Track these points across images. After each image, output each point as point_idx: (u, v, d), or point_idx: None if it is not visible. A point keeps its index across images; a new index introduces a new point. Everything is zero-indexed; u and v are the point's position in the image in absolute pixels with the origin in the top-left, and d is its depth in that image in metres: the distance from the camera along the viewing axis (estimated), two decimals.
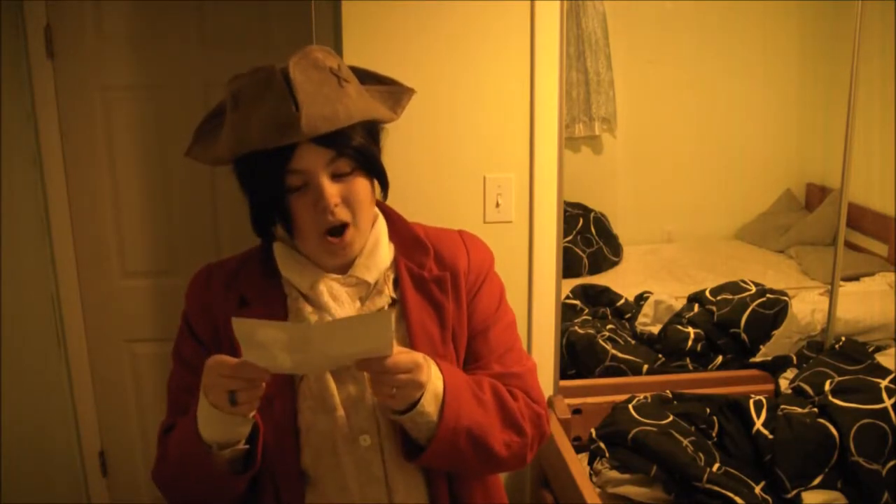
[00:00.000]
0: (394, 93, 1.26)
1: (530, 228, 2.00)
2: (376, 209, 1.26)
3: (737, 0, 3.10)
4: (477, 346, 1.27)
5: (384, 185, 1.22)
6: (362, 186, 1.15)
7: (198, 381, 1.09)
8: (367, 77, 1.25)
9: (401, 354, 1.06)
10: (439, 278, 1.24)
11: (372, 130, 1.19)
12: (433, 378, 1.12)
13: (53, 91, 2.34)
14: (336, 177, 1.13)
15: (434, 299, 1.23)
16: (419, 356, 1.10)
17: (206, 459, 1.12)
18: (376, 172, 1.18)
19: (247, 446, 1.14)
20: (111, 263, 2.50)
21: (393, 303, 1.23)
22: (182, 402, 1.21)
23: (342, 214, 1.13)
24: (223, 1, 2.36)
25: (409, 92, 1.28)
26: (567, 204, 2.58)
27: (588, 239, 3.00)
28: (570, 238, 2.91)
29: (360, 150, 1.13)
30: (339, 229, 1.15)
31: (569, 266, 2.78)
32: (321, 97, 1.09)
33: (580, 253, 2.95)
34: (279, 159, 1.10)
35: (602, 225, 3.08)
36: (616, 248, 3.11)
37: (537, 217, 2.00)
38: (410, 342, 1.20)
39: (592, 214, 3.05)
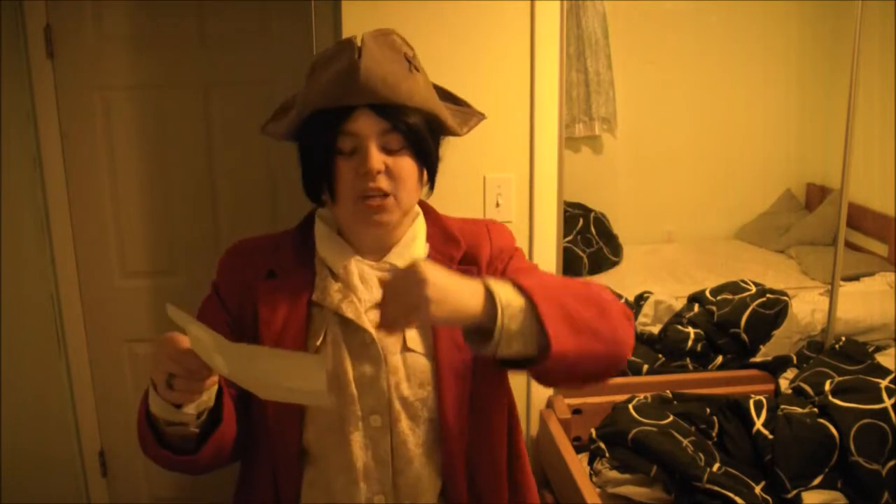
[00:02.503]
0: (465, 113, 1.30)
1: (530, 228, 2.00)
2: (417, 207, 1.27)
3: (737, 0, 3.10)
4: None
5: (432, 177, 1.23)
6: (408, 165, 1.17)
7: None
8: (444, 95, 1.29)
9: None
10: (464, 272, 1.21)
11: (433, 127, 1.21)
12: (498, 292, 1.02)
13: (53, 91, 2.34)
14: (385, 150, 1.15)
15: None
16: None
17: (149, 429, 1.11)
18: (426, 159, 1.20)
19: (196, 431, 1.11)
20: (111, 263, 2.49)
21: None
22: None
23: (383, 183, 1.15)
24: (223, 1, 2.36)
25: (479, 116, 1.31)
26: (567, 204, 2.58)
27: (588, 239, 3.00)
28: (570, 238, 2.91)
29: (414, 131, 1.16)
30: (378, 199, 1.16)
31: (569, 266, 2.78)
32: (388, 67, 1.14)
33: (580, 253, 2.95)
34: (335, 120, 1.14)
35: (602, 225, 3.08)
36: (616, 248, 3.11)
37: (537, 217, 2.00)
38: (433, 337, 1.20)
39: (592, 214, 3.05)
